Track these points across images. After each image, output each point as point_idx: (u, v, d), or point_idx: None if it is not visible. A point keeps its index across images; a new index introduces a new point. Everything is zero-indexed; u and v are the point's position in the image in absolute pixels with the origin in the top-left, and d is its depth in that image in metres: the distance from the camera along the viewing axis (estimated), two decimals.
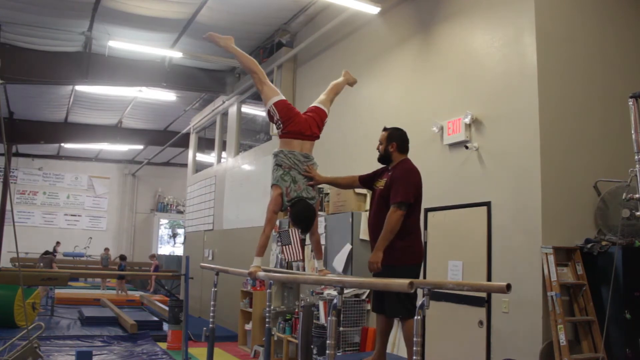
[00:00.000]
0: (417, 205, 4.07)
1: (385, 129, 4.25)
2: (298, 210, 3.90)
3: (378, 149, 4.23)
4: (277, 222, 8.23)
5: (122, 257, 16.13)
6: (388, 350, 5.86)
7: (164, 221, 23.00)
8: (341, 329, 6.11)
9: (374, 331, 5.79)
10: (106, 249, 17.46)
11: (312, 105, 4.36)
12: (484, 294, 5.10)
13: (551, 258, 4.65)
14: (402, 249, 3.92)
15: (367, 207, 5.61)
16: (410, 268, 3.93)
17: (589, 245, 4.86)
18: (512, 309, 4.88)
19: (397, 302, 3.90)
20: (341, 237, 6.77)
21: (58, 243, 19.67)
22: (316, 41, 8.43)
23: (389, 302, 3.96)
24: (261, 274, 4.13)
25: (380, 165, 4.31)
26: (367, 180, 4.32)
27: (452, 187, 5.72)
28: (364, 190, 6.39)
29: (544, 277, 4.65)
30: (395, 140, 4.14)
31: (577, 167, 5.07)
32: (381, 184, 4.11)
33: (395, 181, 3.97)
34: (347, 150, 7.50)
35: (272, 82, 9.90)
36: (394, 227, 3.87)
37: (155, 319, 10.85)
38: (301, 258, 7.71)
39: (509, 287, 2.69)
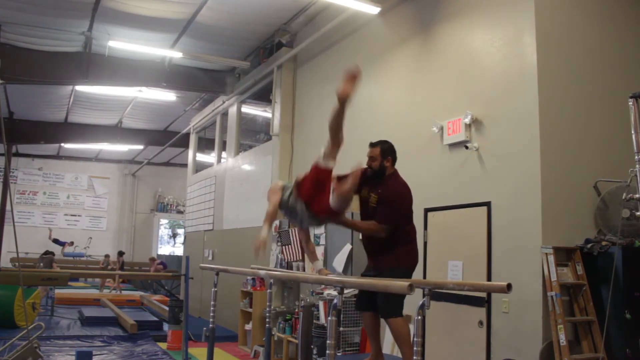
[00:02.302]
0: (412, 214, 4.20)
1: (373, 145, 4.24)
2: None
3: (370, 165, 4.20)
4: (277, 222, 8.23)
5: (121, 253, 16.56)
6: (388, 350, 5.86)
7: (164, 221, 22.98)
8: (341, 329, 6.11)
9: None
10: (106, 256, 17.52)
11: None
12: (484, 294, 5.10)
13: (551, 258, 4.65)
14: (405, 254, 4.07)
15: None
16: (407, 270, 4.05)
17: (589, 245, 4.86)
18: (512, 309, 4.88)
19: (388, 302, 3.94)
20: (341, 237, 6.77)
21: (72, 243, 19.77)
22: (316, 41, 8.43)
23: (383, 302, 3.98)
24: (262, 272, 4.15)
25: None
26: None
27: (452, 187, 5.72)
28: None
29: (544, 277, 4.65)
30: (390, 155, 4.19)
31: (577, 167, 5.07)
32: (373, 200, 4.10)
33: (387, 202, 4.02)
34: (346, 151, 7.47)
35: (272, 82, 10.00)
36: (366, 231, 4.07)
37: (155, 319, 10.84)
38: (301, 258, 7.72)
39: (509, 287, 2.70)
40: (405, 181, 4.20)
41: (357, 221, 4.22)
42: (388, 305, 3.95)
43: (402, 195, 4.11)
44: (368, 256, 4.26)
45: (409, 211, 4.16)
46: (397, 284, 2.80)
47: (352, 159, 5.77)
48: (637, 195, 4.08)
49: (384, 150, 4.18)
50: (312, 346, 5.74)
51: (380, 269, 4.02)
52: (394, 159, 4.23)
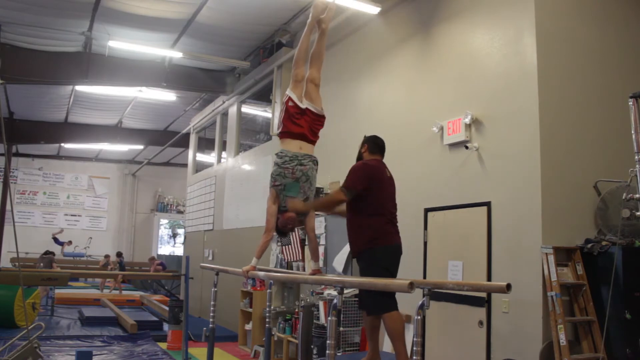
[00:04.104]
0: (378, 192, 4.14)
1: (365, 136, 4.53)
2: None
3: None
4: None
5: (119, 254, 16.61)
6: (388, 350, 5.86)
7: (164, 221, 22.98)
8: (341, 329, 6.11)
9: None
10: (107, 256, 17.51)
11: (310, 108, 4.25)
12: (484, 294, 5.10)
13: (551, 258, 4.65)
14: (368, 234, 4.06)
15: None
16: (381, 249, 4.03)
17: (589, 245, 4.86)
18: (512, 309, 4.88)
19: (371, 299, 4.01)
20: (341, 237, 6.77)
21: (70, 242, 19.72)
22: None
23: (367, 298, 4.06)
24: (261, 273, 4.14)
25: None
26: None
27: (452, 187, 5.72)
28: None
29: (544, 277, 4.65)
30: (367, 143, 4.40)
31: (577, 167, 5.07)
32: None
33: (349, 172, 4.20)
34: (347, 151, 7.48)
35: (272, 82, 9.96)
36: (328, 201, 4.32)
37: (155, 319, 10.85)
38: (301, 258, 7.71)
39: (509, 287, 2.69)
40: (379, 166, 4.28)
41: (316, 201, 4.32)
42: (369, 302, 4.04)
43: (363, 164, 4.25)
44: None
45: (367, 183, 4.11)
46: (397, 282, 2.81)
47: (352, 157, 5.79)
48: (637, 195, 4.08)
49: (364, 140, 4.45)
50: (312, 346, 5.74)
51: (355, 253, 4.20)
52: (371, 148, 4.37)
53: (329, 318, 3.07)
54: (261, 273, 4.32)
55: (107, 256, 17.37)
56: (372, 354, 4.22)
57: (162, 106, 13.99)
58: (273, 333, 7.60)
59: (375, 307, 4.01)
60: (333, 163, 7.57)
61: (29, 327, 4.90)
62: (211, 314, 4.96)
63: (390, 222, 4.13)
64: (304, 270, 7.43)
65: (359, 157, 4.42)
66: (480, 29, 5.67)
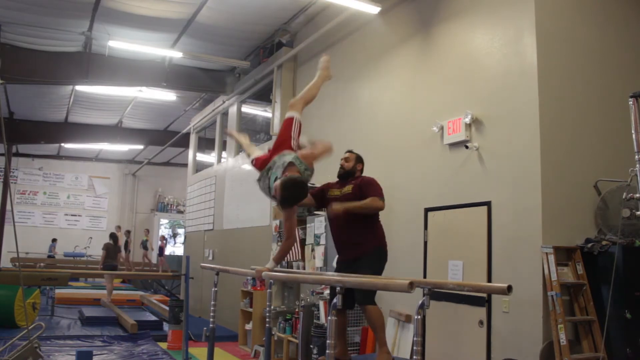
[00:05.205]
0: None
1: (350, 151, 4.92)
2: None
3: (343, 165, 4.82)
4: (277, 222, 8.24)
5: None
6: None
7: (164, 221, 22.99)
8: None
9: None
10: (118, 228, 17.42)
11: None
12: (484, 294, 5.10)
13: (551, 258, 4.65)
14: (381, 234, 4.68)
15: None
16: (384, 248, 4.65)
17: (589, 245, 4.86)
18: (513, 309, 4.88)
19: (366, 290, 4.35)
20: None
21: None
22: (316, 41, 8.43)
23: (362, 290, 4.31)
24: (276, 274, 4.18)
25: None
26: (317, 194, 4.85)
27: (452, 187, 5.72)
28: None
29: (544, 277, 4.65)
30: (362, 163, 4.87)
31: (577, 167, 5.07)
32: (347, 189, 4.66)
33: (369, 184, 4.63)
34: (346, 149, 7.49)
35: (272, 81, 9.99)
36: (370, 207, 4.48)
37: (156, 319, 10.84)
38: (301, 257, 7.72)
39: (509, 288, 2.69)
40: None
41: (358, 204, 4.49)
42: (366, 293, 4.35)
43: (374, 180, 4.69)
44: (343, 248, 4.71)
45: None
46: (397, 282, 2.81)
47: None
48: (637, 195, 4.08)
49: (359, 158, 4.88)
50: (312, 346, 5.74)
51: (360, 254, 4.49)
52: (363, 170, 4.87)
53: (329, 318, 3.07)
54: (276, 274, 4.36)
55: (118, 227, 17.07)
56: (343, 352, 4.53)
57: (162, 106, 13.99)
58: (273, 333, 7.60)
59: (365, 297, 4.39)
60: (333, 162, 7.57)
61: (29, 327, 4.91)
62: (211, 314, 4.95)
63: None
64: (304, 269, 7.44)
65: (352, 172, 4.76)
66: (480, 29, 5.67)
